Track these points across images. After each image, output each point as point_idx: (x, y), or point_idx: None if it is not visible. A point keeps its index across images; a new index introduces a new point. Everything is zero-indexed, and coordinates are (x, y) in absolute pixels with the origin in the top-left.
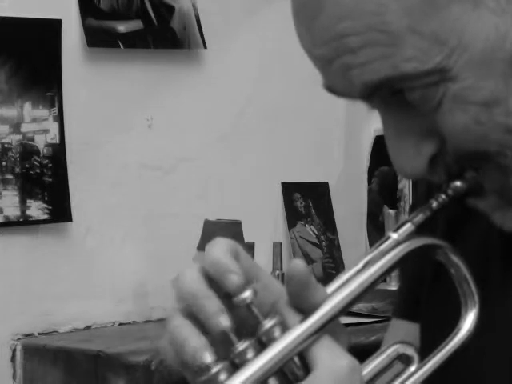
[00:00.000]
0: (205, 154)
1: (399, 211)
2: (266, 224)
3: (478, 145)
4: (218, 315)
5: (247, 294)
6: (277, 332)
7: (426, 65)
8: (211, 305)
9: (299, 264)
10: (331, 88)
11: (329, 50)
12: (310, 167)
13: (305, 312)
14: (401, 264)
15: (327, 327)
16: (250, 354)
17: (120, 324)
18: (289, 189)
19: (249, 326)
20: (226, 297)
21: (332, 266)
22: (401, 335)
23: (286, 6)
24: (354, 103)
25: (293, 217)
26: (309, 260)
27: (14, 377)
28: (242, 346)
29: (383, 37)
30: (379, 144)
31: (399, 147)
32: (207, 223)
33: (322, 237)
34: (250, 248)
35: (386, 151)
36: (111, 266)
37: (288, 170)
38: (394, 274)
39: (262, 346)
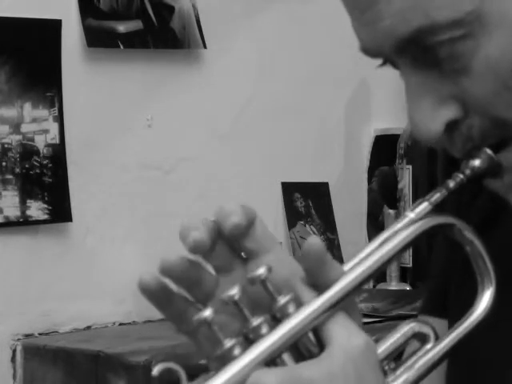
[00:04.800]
0: (205, 154)
1: (399, 211)
2: (266, 224)
3: (504, 112)
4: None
5: (262, 271)
6: (291, 308)
7: (457, 13)
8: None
9: (315, 240)
10: (365, 48)
11: None
12: (310, 167)
13: (320, 289)
14: (416, 242)
15: (342, 306)
16: (264, 330)
17: (120, 324)
18: (289, 189)
19: (263, 305)
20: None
21: None
22: None
23: (286, 7)
24: (355, 103)
25: (293, 217)
26: None
27: (14, 377)
28: (256, 321)
29: None
30: (379, 144)
31: (418, 107)
32: None
33: (322, 237)
34: None
35: (386, 151)
36: (111, 266)
37: (288, 170)
38: (394, 274)
39: (276, 321)
